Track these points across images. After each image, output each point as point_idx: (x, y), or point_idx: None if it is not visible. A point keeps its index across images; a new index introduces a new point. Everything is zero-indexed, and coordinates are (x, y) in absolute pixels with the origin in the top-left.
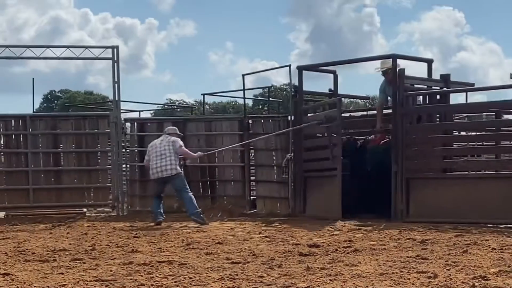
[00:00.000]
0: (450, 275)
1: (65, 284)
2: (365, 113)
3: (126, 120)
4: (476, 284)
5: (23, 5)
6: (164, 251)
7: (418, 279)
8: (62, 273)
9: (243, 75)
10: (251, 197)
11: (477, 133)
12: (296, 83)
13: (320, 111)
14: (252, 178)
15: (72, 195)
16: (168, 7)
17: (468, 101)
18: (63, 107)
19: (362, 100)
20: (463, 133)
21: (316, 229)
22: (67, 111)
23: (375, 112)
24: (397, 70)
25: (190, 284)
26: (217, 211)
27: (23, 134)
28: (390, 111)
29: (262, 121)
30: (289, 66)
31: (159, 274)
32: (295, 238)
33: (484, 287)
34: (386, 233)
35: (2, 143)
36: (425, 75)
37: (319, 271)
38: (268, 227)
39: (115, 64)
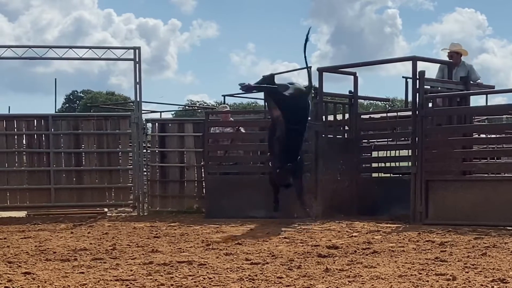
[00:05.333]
0: (468, 277)
1: (86, 284)
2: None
3: (147, 120)
4: (495, 286)
5: (47, 6)
6: (184, 251)
7: (437, 281)
8: (82, 273)
9: (264, 77)
10: None
11: (497, 136)
12: (317, 85)
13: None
14: None
15: (93, 195)
16: (191, 8)
17: (489, 104)
18: (85, 108)
19: (382, 102)
20: (482, 135)
21: (335, 230)
22: (89, 112)
23: (394, 114)
24: (417, 72)
25: (210, 284)
26: None
27: (45, 134)
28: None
29: None
30: (310, 67)
31: (179, 274)
32: (314, 239)
33: None
34: (405, 235)
35: (24, 142)
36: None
37: (338, 272)
38: (287, 228)
39: (137, 65)
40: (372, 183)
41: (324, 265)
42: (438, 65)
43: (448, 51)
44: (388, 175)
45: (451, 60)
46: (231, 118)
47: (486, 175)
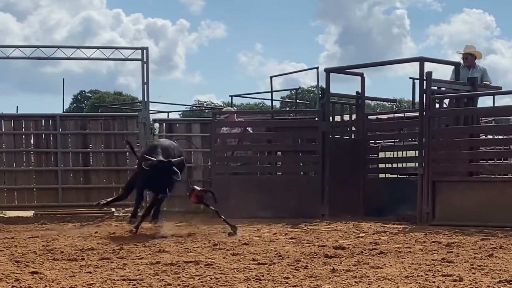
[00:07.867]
0: (475, 278)
1: (93, 283)
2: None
3: (154, 120)
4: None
5: (56, 6)
6: (191, 251)
7: (444, 282)
8: (90, 272)
9: (271, 77)
10: None
11: (504, 137)
12: (324, 85)
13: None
14: None
15: (101, 194)
16: (199, 8)
17: (496, 105)
18: (93, 108)
19: (389, 103)
20: (489, 136)
21: (342, 231)
22: (96, 112)
23: (401, 114)
24: (425, 73)
25: (216, 284)
26: None
27: (53, 133)
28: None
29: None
30: (317, 68)
31: (186, 274)
32: (320, 240)
33: None
34: (411, 236)
35: (32, 142)
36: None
37: (345, 273)
38: (294, 229)
39: (145, 65)
40: (379, 183)
41: (331, 266)
42: (448, 66)
43: (463, 53)
44: (395, 175)
45: (458, 61)
46: (240, 118)
47: (493, 176)
